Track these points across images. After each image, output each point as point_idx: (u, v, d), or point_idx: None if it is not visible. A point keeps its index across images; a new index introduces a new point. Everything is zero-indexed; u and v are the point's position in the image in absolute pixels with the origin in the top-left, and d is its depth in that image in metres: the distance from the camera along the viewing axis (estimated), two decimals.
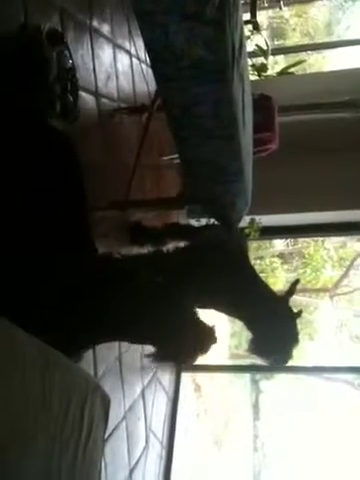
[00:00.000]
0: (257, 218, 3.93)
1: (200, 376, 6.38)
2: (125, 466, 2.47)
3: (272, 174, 3.81)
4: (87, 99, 2.34)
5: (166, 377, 3.54)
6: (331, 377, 9.30)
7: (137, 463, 2.55)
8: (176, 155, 3.31)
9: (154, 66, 1.65)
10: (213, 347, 1.73)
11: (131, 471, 2.57)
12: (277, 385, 11.07)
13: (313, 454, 9.23)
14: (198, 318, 1.72)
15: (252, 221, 3.95)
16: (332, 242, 9.23)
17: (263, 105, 3.16)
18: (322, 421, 9.72)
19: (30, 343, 1.03)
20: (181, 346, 1.67)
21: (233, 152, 2.00)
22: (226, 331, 9.45)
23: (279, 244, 9.61)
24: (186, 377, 4.16)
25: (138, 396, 2.80)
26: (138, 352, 2.79)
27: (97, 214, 2.22)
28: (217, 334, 1.74)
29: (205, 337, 1.70)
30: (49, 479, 1.05)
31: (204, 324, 1.71)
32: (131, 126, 2.88)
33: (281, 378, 10.78)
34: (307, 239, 9.12)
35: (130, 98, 2.98)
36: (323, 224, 4.41)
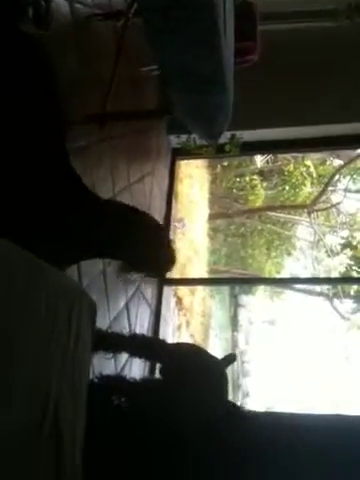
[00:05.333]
0: (238, 133, 3.88)
1: (181, 291, 6.59)
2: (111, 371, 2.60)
3: (253, 87, 3.72)
4: (60, 4, 2.20)
5: (149, 290, 3.65)
6: (307, 290, 9.70)
7: (122, 370, 2.68)
8: (155, 66, 3.20)
9: None
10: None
11: None
12: (255, 300, 11.54)
13: (290, 360, 9.82)
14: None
15: (233, 137, 3.91)
16: (312, 159, 9.24)
17: (245, 11, 3.01)
18: (299, 330, 10.24)
19: (14, 250, 1.02)
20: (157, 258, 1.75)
21: (214, 61, 1.93)
22: (205, 247, 9.65)
23: (259, 161, 9.58)
24: (168, 291, 4.29)
25: (122, 308, 2.89)
26: None
27: (74, 128, 2.16)
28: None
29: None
30: (38, 386, 1.05)
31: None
32: (107, 34, 2.73)
33: (259, 293, 11.22)
34: (287, 156, 9.10)
35: (105, 3, 2.80)
36: (304, 139, 4.38)
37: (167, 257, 1.80)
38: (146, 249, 1.69)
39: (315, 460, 1.67)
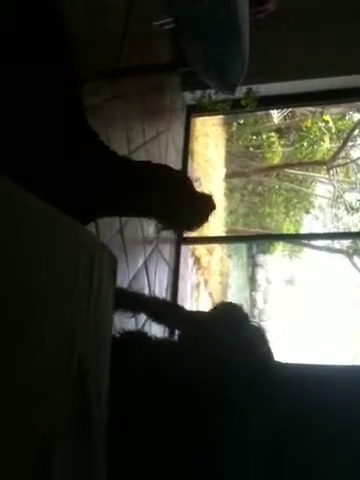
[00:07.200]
0: (254, 87, 3.79)
1: (199, 251, 6.60)
2: (132, 328, 2.63)
3: (270, 38, 3.60)
4: None
5: (167, 249, 3.66)
6: (326, 247, 9.64)
7: (143, 326, 2.72)
8: (167, 19, 3.09)
9: None
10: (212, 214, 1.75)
11: None
12: (273, 259, 11.54)
13: (309, 318, 9.87)
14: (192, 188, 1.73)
15: (249, 91, 3.82)
16: (331, 114, 8.99)
17: None
18: (318, 288, 10.24)
19: (33, 202, 1.00)
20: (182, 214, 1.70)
21: (228, 8, 1.86)
22: (222, 207, 9.60)
23: (276, 118, 9.37)
24: (185, 250, 4.30)
25: (141, 267, 2.91)
26: (139, 225, 2.85)
27: (87, 86, 2.12)
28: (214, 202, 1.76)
29: (204, 204, 1.72)
30: (62, 341, 1.04)
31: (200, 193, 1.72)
32: None
33: (277, 252, 11.20)
34: (305, 111, 8.88)
35: None
36: (322, 91, 4.24)
37: (203, 205, 1.72)
38: (177, 202, 1.61)
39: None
